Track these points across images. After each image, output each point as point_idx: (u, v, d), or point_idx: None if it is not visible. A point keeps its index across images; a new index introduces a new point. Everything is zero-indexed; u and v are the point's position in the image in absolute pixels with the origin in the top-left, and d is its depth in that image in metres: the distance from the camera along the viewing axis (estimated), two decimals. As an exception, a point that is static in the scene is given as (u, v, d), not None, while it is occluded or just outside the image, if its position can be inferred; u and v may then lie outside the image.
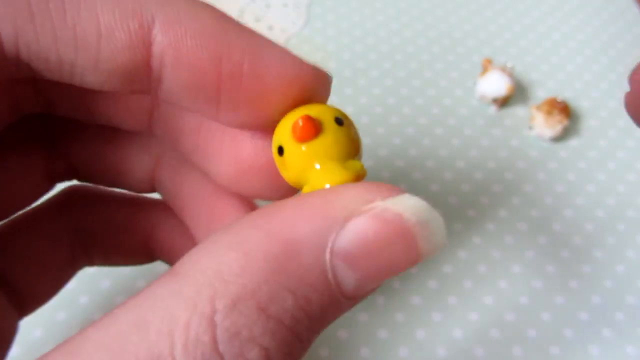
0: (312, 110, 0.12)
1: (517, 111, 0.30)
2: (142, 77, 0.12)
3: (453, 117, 0.29)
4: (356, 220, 0.10)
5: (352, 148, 0.12)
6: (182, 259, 0.11)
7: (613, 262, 0.24)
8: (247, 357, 0.10)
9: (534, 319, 0.23)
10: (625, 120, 0.30)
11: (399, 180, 0.27)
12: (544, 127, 0.28)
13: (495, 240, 0.25)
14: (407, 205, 0.11)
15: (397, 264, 0.11)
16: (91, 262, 0.19)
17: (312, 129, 0.12)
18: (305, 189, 0.12)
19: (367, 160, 0.27)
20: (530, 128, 0.29)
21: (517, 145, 0.28)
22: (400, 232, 0.10)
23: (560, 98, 0.29)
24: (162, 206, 0.19)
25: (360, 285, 0.11)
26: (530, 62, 0.32)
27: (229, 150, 0.15)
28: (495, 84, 0.29)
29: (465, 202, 0.26)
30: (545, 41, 0.33)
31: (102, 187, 0.18)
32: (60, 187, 0.18)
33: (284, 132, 0.12)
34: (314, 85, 0.13)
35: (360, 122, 0.29)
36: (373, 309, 0.23)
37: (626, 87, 0.31)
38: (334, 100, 0.13)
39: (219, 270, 0.10)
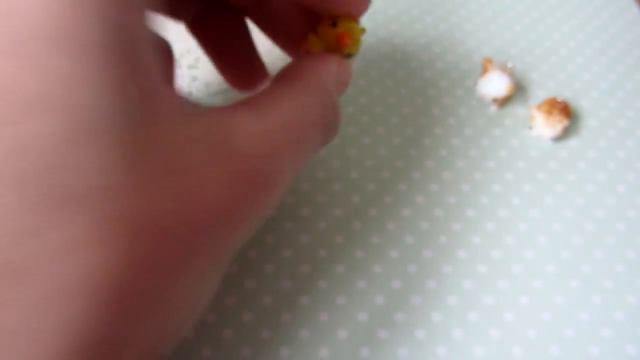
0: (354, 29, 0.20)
1: (517, 111, 0.30)
2: None
3: (453, 117, 0.29)
4: (336, 59, 0.19)
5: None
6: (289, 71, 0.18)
7: (613, 262, 0.24)
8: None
9: (534, 319, 0.23)
10: (626, 120, 0.30)
11: (398, 180, 0.27)
12: (544, 127, 0.28)
13: (495, 240, 0.25)
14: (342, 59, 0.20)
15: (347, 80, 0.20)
16: None
17: (347, 44, 0.20)
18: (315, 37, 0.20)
19: (367, 159, 0.27)
20: (530, 128, 0.29)
21: (517, 145, 0.28)
22: (346, 64, 0.19)
23: (560, 98, 0.29)
24: None
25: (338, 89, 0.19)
26: (530, 62, 0.32)
27: None
28: (495, 84, 0.29)
29: (465, 202, 0.26)
30: (546, 41, 0.33)
31: None
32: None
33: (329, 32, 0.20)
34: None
35: (361, 122, 0.29)
36: (373, 309, 0.23)
37: (627, 87, 0.31)
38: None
39: (325, 77, 0.18)
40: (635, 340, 0.22)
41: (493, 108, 0.30)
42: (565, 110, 0.28)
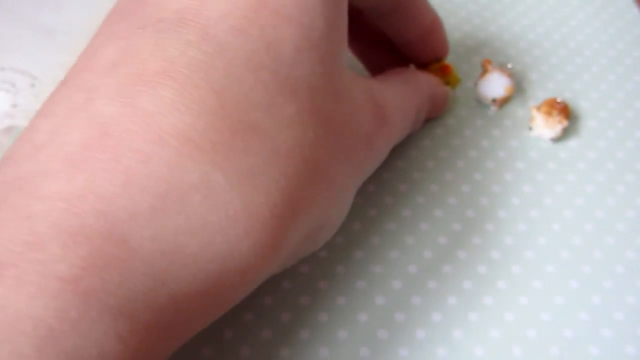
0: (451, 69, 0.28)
1: (517, 112, 0.30)
2: None
3: (453, 118, 0.29)
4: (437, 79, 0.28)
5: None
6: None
7: (613, 262, 0.24)
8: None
9: (534, 319, 0.23)
10: (625, 120, 0.30)
11: (399, 180, 0.27)
12: (543, 127, 0.28)
13: (495, 241, 0.25)
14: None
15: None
16: None
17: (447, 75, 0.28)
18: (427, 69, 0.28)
19: (367, 160, 0.27)
20: (530, 129, 0.29)
21: (516, 145, 0.28)
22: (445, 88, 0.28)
23: (559, 99, 0.29)
24: None
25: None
26: (529, 63, 0.32)
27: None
28: (494, 85, 0.29)
29: (465, 202, 0.26)
30: (545, 42, 0.33)
31: None
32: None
33: (438, 68, 0.28)
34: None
35: (360, 122, 0.29)
36: (373, 309, 0.23)
37: (626, 88, 0.31)
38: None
39: (424, 83, 0.26)
40: (635, 340, 0.22)
41: (493, 109, 0.30)
42: (565, 111, 0.28)
